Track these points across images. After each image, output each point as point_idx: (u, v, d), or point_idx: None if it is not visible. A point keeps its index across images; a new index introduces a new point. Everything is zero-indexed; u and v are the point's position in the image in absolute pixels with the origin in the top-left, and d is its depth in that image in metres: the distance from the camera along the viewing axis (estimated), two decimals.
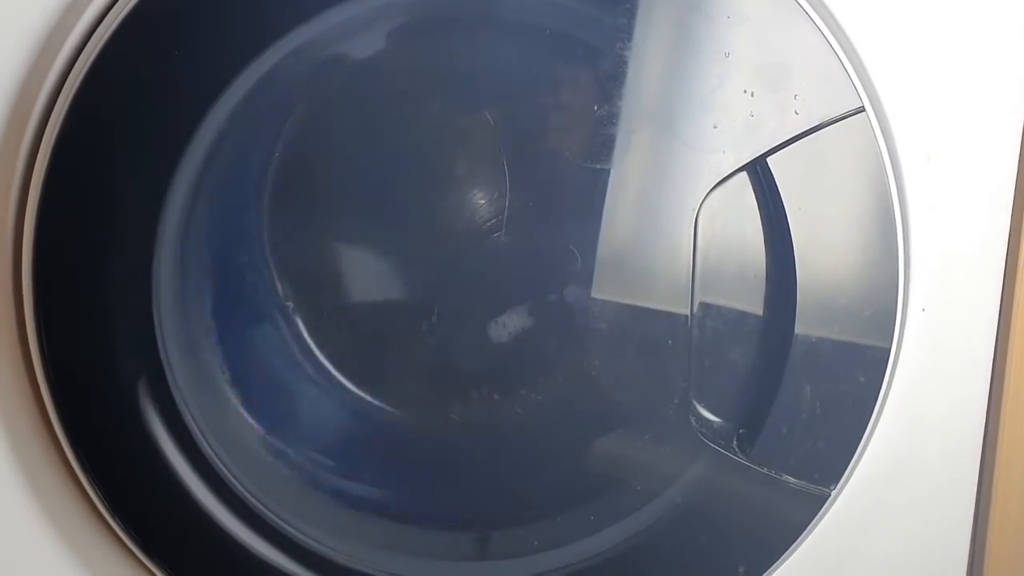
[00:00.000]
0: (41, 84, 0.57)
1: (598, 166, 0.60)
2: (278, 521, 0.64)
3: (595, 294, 0.63)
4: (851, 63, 0.59)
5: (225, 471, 0.63)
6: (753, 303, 0.62)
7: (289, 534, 0.65)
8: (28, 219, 0.57)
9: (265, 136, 0.63)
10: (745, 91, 0.58)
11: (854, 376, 0.62)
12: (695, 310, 0.62)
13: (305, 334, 0.69)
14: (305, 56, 0.58)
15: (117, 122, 0.57)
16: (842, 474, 0.64)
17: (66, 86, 0.56)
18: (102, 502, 0.62)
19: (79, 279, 0.58)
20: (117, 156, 0.57)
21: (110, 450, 0.61)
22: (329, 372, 0.69)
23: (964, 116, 0.62)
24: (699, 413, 0.64)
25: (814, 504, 0.64)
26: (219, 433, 0.63)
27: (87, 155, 0.57)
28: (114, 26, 0.55)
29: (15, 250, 0.59)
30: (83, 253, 0.58)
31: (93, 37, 0.56)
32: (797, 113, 0.58)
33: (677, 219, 0.61)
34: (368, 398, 0.69)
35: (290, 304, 0.68)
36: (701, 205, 0.60)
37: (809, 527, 0.64)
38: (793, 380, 0.62)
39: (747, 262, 0.62)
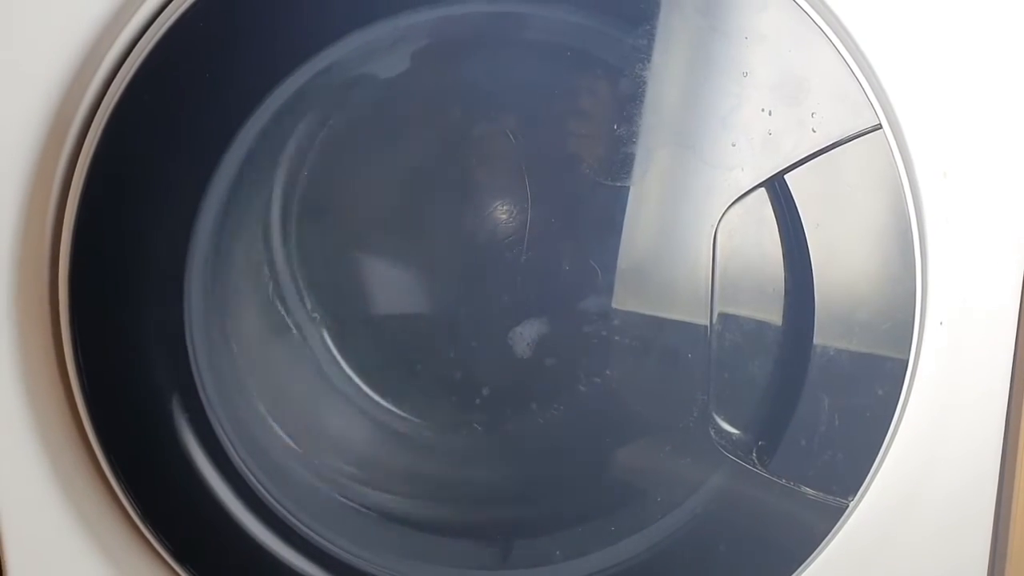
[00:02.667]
0: (78, 103, 0.58)
1: (618, 183, 0.61)
2: (304, 529, 0.65)
3: (615, 305, 0.64)
4: (868, 81, 0.59)
5: (253, 480, 0.64)
6: (772, 316, 0.63)
7: (315, 541, 0.66)
8: (64, 236, 0.59)
9: (293, 154, 0.64)
10: (763, 110, 0.58)
11: (872, 388, 0.63)
12: (714, 322, 0.63)
13: (331, 346, 0.70)
14: (333, 76, 0.59)
15: (151, 141, 0.58)
16: (860, 486, 0.64)
17: (102, 106, 0.57)
18: (135, 510, 0.63)
19: (114, 294, 0.59)
20: (150, 174, 0.58)
21: (143, 460, 0.63)
22: (354, 383, 0.70)
23: (980, 132, 0.62)
24: (718, 425, 0.64)
25: (832, 515, 0.64)
26: (248, 443, 0.64)
27: (121, 173, 0.58)
28: (148, 49, 0.56)
29: (52, 267, 0.60)
30: (118, 269, 0.59)
31: (128, 59, 0.57)
32: (814, 131, 0.58)
33: (696, 234, 0.62)
34: (392, 408, 0.70)
35: (316, 316, 0.69)
36: (720, 220, 0.61)
37: (827, 538, 0.65)
38: (812, 392, 0.62)
39: (766, 276, 0.62)
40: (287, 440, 0.68)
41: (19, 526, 0.65)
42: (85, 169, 0.57)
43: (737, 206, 0.60)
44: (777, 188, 0.60)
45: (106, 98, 0.58)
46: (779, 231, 0.61)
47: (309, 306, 0.69)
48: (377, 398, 0.70)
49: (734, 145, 0.59)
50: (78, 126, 0.58)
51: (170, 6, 0.57)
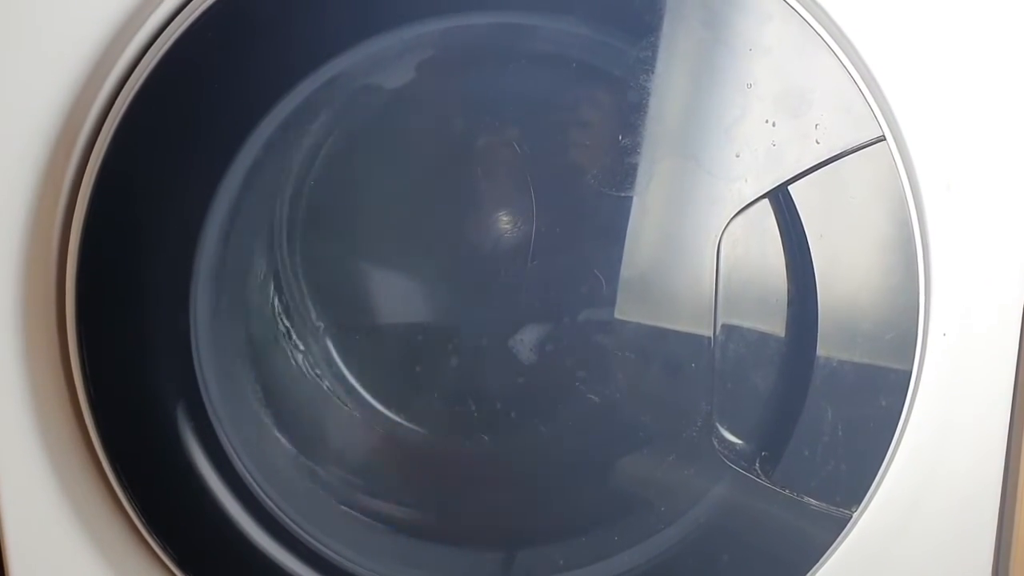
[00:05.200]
0: (88, 111, 0.58)
1: (622, 193, 0.61)
2: (307, 537, 0.66)
3: (618, 315, 0.64)
4: (871, 93, 0.59)
5: (256, 488, 0.64)
6: (775, 327, 0.63)
7: (317, 550, 0.66)
8: (72, 245, 0.59)
9: (300, 163, 0.64)
10: (767, 121, 0.58)
11: (875, 399, 0.63)
12: (718, 332, 0.63)
13: (335, 355, 0.70)
14: (339, 86, 0.59)
15: (157, 152, 0.58)
16: (863, 496, 0.64)
17: (112, 112, 0.58)
18: (138, 516, 0.63)
19: (120, 301, 0.60)
20: (158, 182, 0.59)
21: (147, 466, 0.63)
22: (358, 392, 0.70)
23: (983, 144, 0.62)
24: (722, 435, 0.64)
25: (836, 526, 0.64)
26: (252, 451, 0.65)
27: (129, 180, 0.58)
28: (158, 58, 0.56)
29: (59, 273, 0.61)
30: (124, 276, 0.60)
31: (138, 67, 0.58)
32: (818, 142, 0.58)
33: (700, 244, 0.62)
34: (396, 418, 0.70)
35: (321, 326, 0.69)
36: (724, 231, 0.61)
37: (831, 548, 0.65)
38: (815, 403, 0.62)
39: (769, 286, 0.62)
40: (291, 448, 0.68)
41: (22, 531, 0.65)
42: (94, 176, 0.58)
43: (740, 217, 0.61)
44: (780, 199, 0.60)
45: (115, 105, 0.58)
46: (782, 242, 0.61)
47: (314, 315, 0.69)
48: (380, 407, 0.70)
49: (738, 156, 0.59)
50: (87, 133, 0.59)
51: (179, 16, 0.57)
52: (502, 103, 0.63)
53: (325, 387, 0.70)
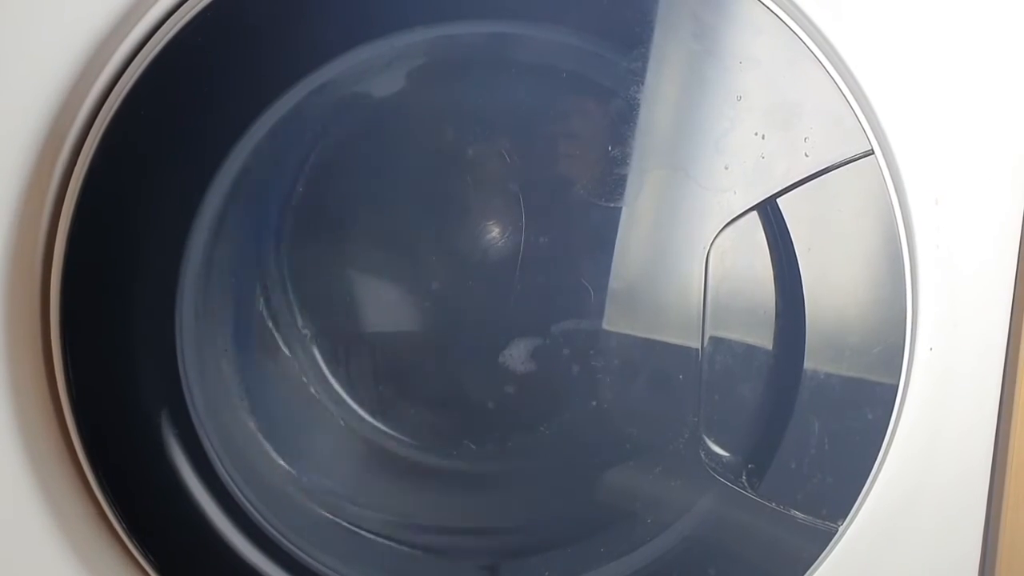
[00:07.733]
0: (75, 116, 0.58)
1: (611, 204, 0.61)
2: (292, 547, 0.65)
3: (606, 326, 0.64)
4: (861, 107, 0.59)
5: (241, 496, 0.64)
6: (763, 339, 0.63)
7: (302, 560, 0.65)
8: (56, 250, 0.58)
9: (288, 170, 0.64)
10: (756, 133, 0.58)
11: (862, 412, 0.63)
12: (705, 344, 0.63)
13: (322, 364, 0.69)
14: (329, 94, 0.59)
15: (145, 156, 0.58)
16: (850, 510, 0.64)
17: (99, 118, 0.57)
18: (121, 524, 0.63)
19: (105, 307, 0.59)
20: (144, 189, 0.58)
21: (130, 474, 0.62)
22: (344, 401, 0.70)
23: (971, 160, 0.63)
24: (709, 447, 0.64)
25: (822, 539, 0.64)
26: (236, 459, 0.64)
27: (115, 188, 0.58)
28: (146, 62, 0.56)
29: (43, 281, 0.60)
30: (110, 282, 0.59)
31: (126, 72, 0.57)
32: (807, 156, 0.59)
33: (688, 256, 0.62)
34: (382, 427, 0.70)
35: (308, 334, 0.69)
36: (712, 243, 0.61)
37: (817, 562, 0.65)
38: (802, 416, 0.62)
39: (757, 299, 0.62)
40: (276, 457, 0.67)
41: (1, 536, 0.65)
42: (80, 181, 0.57)
43: (729, 229, 0.61)
44: (769, 211, 0.60)
45: (103, 110, 0.58)
46: (771, 254, 0.61)
47: (300, 323, 0.69)
48: (366, 416, 0.70)
49: (727, 168, 0.59)
50: (74, 137, 0.58)
51: (168, 21, 0.57)
52: (492, 113, 0.63)
53: (311, 395, 0.70)
